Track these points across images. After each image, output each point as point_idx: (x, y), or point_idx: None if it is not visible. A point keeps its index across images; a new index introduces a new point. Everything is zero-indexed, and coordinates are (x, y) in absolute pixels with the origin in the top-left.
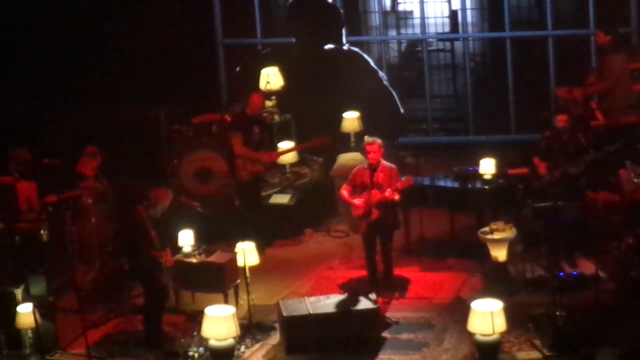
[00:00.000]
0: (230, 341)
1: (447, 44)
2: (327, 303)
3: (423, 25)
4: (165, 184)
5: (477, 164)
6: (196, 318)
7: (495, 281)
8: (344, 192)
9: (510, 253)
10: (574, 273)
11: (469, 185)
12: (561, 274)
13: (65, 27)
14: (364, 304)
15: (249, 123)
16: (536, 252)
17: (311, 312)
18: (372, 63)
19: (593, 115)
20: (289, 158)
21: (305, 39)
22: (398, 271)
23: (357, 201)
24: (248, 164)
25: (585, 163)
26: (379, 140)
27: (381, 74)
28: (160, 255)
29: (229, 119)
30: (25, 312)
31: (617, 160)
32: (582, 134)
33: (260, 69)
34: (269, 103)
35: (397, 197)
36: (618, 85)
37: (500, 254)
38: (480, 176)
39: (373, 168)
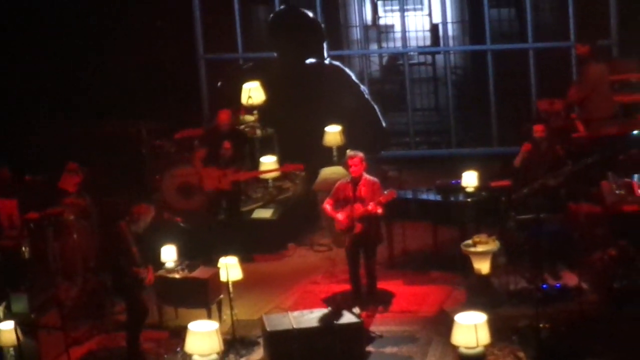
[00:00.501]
0: (213, 357)
1: (429, 57)
2: (311, 317)
3: (404, 38)
4: (147, 199)
5: (460, 177)
6: (179, 334)
7: (479, 294)
8: (327, 206)
9: (493, 265)
10: (557, 285)
11: (452, 198)
12: (544, 286)
13: (46, 43)
14: (348, 318)
15: (218, 139)
16: (519, 264)
17: (295, 326)
18: (353, 77)
19: (574, 127)
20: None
21: (287, 54)
22: (382, 285)
23: (340, 216)
24: (210, 180)
25: (563, 175)
26: (360, 154)
27: (363, 87)
28: (140, 271)
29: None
30: (7, 329)
31: (598, 171)
32: (561, 145)
33: (242, 84)
34: (250, 118)
35: (380, 210)
36: (596, 94)
37: (483, 266)
38: (462, 189)
39: (355, 182)
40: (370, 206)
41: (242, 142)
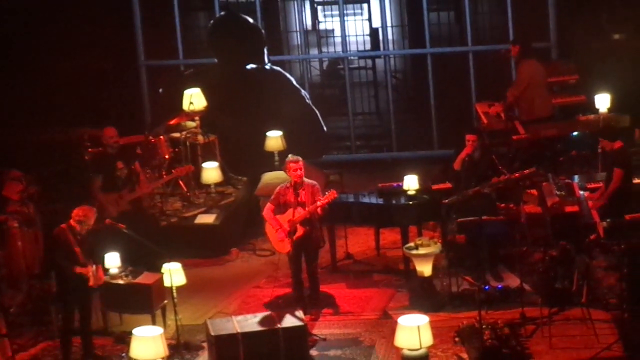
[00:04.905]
0: None
1: (369, 61)
2: (255, 321)
3: (344, 43)
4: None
5: (401, 180)
6: (124, 339)
7: (421, 296)
8: (267, 212)
9: (435, 268)
10: (499, 286)
11: (394, 201)
12: (486, 287)
13: None
14: (291, 321)
15: (110, 161)
16: (461, 266)
17: (239, 330)
18: (294, 82)
19: (514, 129)
20: (213, 178)
21: (227, 59)
22: (324, 288)
23: (280, 231)
24: (113, 205)
25: (496, 185)
26: (301, 159)
27: (303, 92)
28: (83, 271)
29: (151, 139)
30: None
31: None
32: (497, 154)
33: (183, 90)
34: (192, 124)
35: (319, 209)
36: (533, 94)
37: (425, 268)
38: (404, 192)
39: (297, 186)
40: (312, 207)
41: (132, 158)
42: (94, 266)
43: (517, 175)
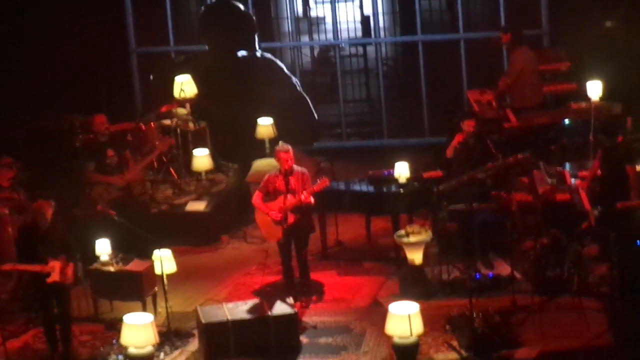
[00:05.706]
0: (149, 349)
1: (360, 48)
2: (245, 309)
3: (335, 30)
4: (81, 192)
5: (392, 168)
6: (115, 326)
7: (412, 284)
8: (257, 199)
9: (426, 255)
10: (490, 274)
11: (384, 189)
12: (477, 275)
13: None
14: (282, 309)
15: (100, 148)
16: (452, 254)
17: (229, 318)
18: (285, 69)
19: (506, 117)
20: (203, 165)
21: (218, 46)
22: (315, 276)
23: (273, 214)
24: (104, 193)
25: (492, 170)
26: (291, 148)
27: (294, 79)
28: (41, 268)
29: (142, 126)
30: None
31: (529, 164)
32: (491, 140)
33: (174, 77)
34: (183, 111)
35: (312, 199)
36: (524, 82)
37: (416, 256)
38: (395, 180)
39: (288, 174)
40: (303, 196)
41: (121, 146)
42: (64, 262)
43: (511, 159)
